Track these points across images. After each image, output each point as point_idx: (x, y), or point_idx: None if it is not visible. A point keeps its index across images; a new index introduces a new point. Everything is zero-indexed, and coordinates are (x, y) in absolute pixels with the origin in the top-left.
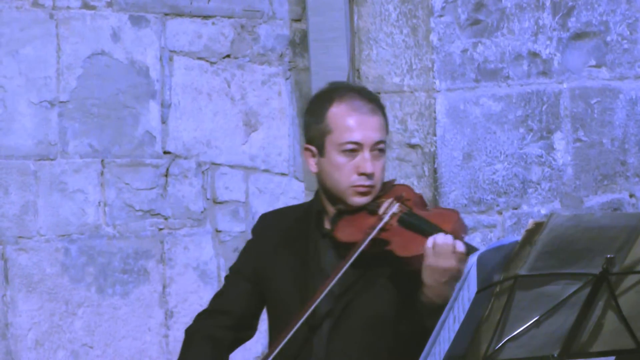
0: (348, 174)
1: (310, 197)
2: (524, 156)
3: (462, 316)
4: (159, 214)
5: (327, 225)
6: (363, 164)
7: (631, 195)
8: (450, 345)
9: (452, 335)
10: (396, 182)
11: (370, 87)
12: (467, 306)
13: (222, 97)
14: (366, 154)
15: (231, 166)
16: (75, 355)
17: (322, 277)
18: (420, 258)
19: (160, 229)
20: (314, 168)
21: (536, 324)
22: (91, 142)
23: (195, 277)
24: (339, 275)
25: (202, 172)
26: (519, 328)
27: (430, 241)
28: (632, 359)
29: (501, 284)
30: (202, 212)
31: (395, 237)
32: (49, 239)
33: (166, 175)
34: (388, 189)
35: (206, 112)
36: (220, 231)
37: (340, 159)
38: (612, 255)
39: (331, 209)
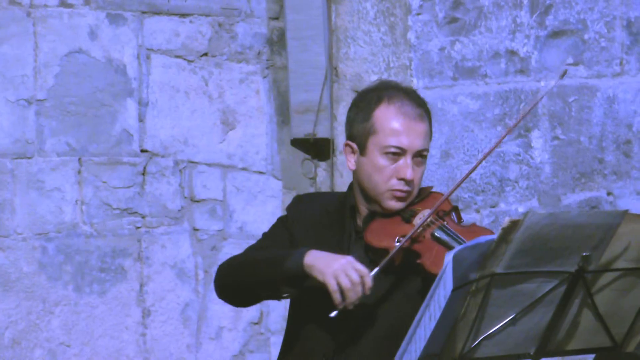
0: (387, 178)
1: (288, 196)
2: (502, 154)
3: (438, 314)
4: (136, 213)
5: (359, 222)
6: (404, 170)
7: (609, 193)
8: (426, 343)
9: (428, 334)
10: (433, 190)
11: (348, 85)
12: (443, 304)
13: (200, 95)
14: (409, 159)
15: (209, 164)
16: (53, 354)
17: None
18: None
19: (138, 228)
20: (352, 165)
21: (512, 322)
22: (68, 140)
23: (172, 276)
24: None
25: (180, 171)
26: (495, 326)
27: None
28: (609, 356)
29: (477, 282)
30: (179, 210)
31: (427, 251)
32: (26, 238)
33: (144, 174)
34: (424, 196)
35: (184, 110)
36: (197, 229)
37: (382, 161)
38: (588, 253)
39: (364, 209)
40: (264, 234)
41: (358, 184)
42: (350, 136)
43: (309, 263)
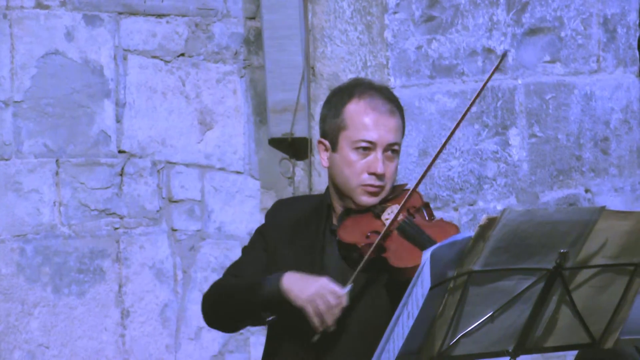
0: (359, 172)
1: (266, 195)
2: (480, 152)
3: (416, 312)
4: (114, 213)
5: (335, 222)
6: (375, 164)
7: (587, 190)
8: (404, 342)
9: (406, 332)
10: (407, 187)
11: (325, 84)
12: (420, 302)
13: (177, 95)
14: (379, 154)
15: (186, 165)
16: (32, 355)
17: (323, 272)
18: (413, 270)
19: (116, 228)
20: (325, 162)
21: (490, 319)
22: (46, 141)
23: (151, 276)
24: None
25: (158, 171)
26: (473, 324)
27: None
28: (591, 353)
29: (455, 280)
30: (157, 211)
31: (392, 245)
32: (4, 239)
33: (121, 175)
34: (398, 193)
35: (161, 110)
36: (176, 230)
37: (353, 156)
38: (565, 250)
39: (338, 206)
40: (244, 249)
41: (331, 181)
42: (322, 134)
43: (286, 287)
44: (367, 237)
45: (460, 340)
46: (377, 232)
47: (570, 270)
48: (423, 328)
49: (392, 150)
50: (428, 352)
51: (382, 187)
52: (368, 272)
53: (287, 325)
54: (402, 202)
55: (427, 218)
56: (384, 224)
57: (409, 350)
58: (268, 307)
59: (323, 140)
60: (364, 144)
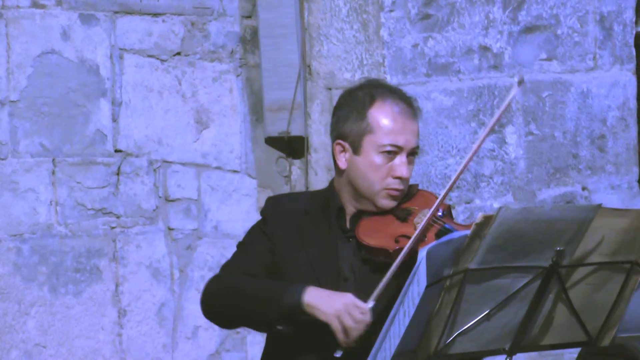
0: (383, 176)
1: (263, 194)
2: None
3: (412, 311)
4: (111, 213)
5: (345, 222)
6: (400, 168)
7: (583, 188)
8: (400, 340)
9: (403, 330)
10: (419, 188)
11: (322, 83)
12: (417, 301)
13: (173, 94)
14: (404, 157)
15: (183, 164)
16: (29, 355)
17: (339, 276)
18: None
19: (113, 228)
20: (343, 164)
21: (487, 317)
22: (42, 141)
23: (148, 275)
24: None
25: (154, 170)
26: (470, 322)
27: None
28: (584, 351)
29: (451, 278)
30: (154, 210)
31: None
32: (1, 239)
33: (118, 174)
34: (412, 194)
35: (157, 109)
36: (172, 229)
37: (378, 159)
38: (562, 248)
39: (351, 208)
40: (242, 246)
41: (349, 182)
42: (341, 135)
43: (310, 302)
44: (397, 241)
45: (456, 339)
46: (409, 237)
47: (566, 268)
48: (419, 326)
49: (414, 153)
50: (424, 350)
51: (402, 191)
52: (397, 277)
53: (301, 339)
54: (434, 206)
55: (452, 220)
56: (416, 228)
57: (405, 349)
58: (284, 319)
59: (342, 142)
60: (390, 148)
